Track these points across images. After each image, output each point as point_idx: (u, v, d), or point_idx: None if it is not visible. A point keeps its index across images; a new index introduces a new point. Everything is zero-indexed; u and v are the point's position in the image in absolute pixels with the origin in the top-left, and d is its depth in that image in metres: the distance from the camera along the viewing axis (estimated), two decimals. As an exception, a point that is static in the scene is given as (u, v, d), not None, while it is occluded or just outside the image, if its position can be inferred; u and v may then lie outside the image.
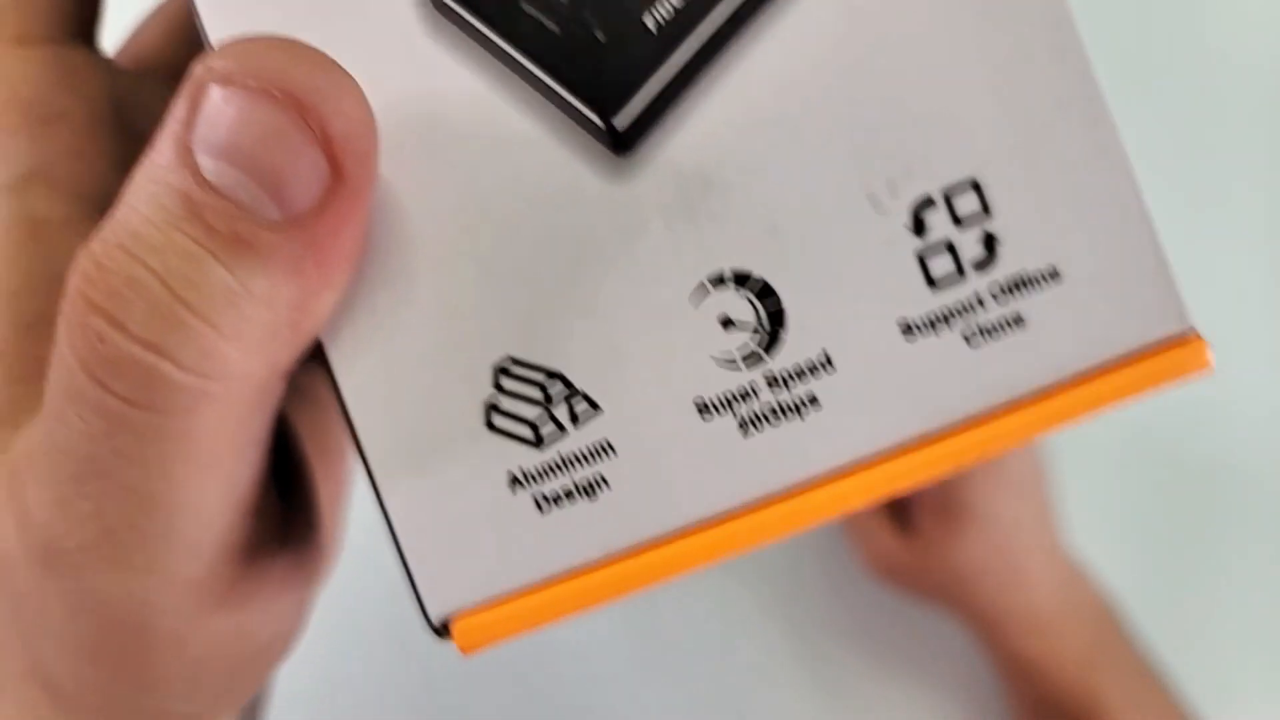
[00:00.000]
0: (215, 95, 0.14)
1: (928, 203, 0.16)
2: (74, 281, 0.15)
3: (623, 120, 0.15)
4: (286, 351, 0.16)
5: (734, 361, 0.16)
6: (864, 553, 0.45)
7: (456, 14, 0.16)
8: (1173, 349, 0.16)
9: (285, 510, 0.20)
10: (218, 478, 0.16)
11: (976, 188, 0.15)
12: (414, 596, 0.17)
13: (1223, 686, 0.49)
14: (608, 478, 0.16)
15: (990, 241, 0.16)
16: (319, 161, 0.14)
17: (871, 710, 0.52)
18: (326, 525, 0.21)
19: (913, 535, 0.43)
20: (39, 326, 0.18)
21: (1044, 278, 0.16)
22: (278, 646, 0.20)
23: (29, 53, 0.19)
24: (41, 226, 0.18)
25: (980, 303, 0.16)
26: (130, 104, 0.20)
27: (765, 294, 0.16)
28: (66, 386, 0.15)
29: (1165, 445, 0.53)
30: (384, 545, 0.18)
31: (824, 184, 0.16)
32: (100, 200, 0.19)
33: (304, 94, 0.14)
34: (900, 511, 0.43)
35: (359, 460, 0.17)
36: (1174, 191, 0.55)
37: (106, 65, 0.20)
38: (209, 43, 0.16)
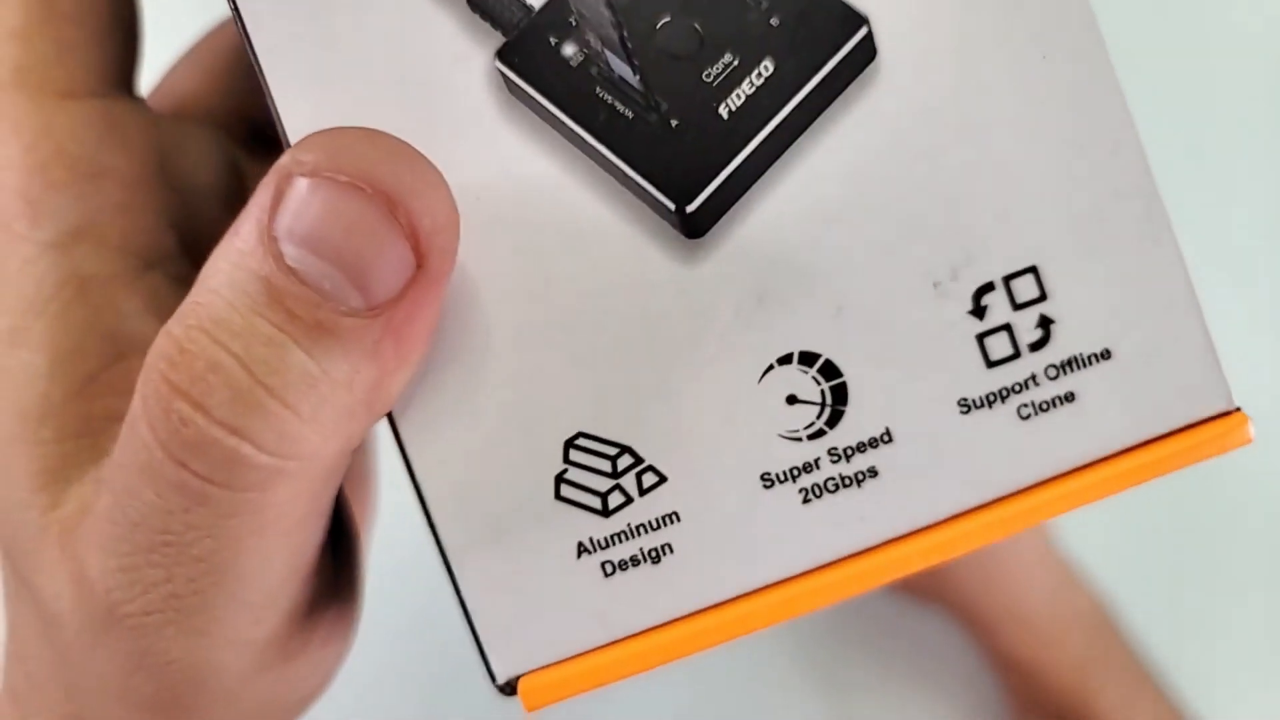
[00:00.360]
0: (301, 186, 0.14)
1: (988, 288, 0.16)
2: (155, 363, 0.15)
3: (696, 205, 0.16)
4: (360, 430, 0.16)
5: (798, 437, 0.16)
6: None
7: (532, 98, 0.16)
8: (1216, 424, 0.17)
9: (333, 565, 0.20)
10: (286, 548, 0.16)
11: (1035, 273, 0.16)
12: (480, 656, 0.17)
13: (1219, 688, 0.50)
14: (673, 545, 0.17)
15: (1046, 324, 0.16)
16: (405, 255, 0.14)
17: (870, 709, 0.53)
18: (361, 575, 0.22)
19: None
20: (91, 385, 0.18)
21: (1096, 358, 0.16)
22: (312, 697, 0.21)
23: (73, 106, 0.19)
24: (90, 284, 0.18)
25: (1035, 381, 0.16)
26: (170, 152, 0.20)
27: (830, 373, 0.16)
28: (144, 463, 0.15)
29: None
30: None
31: (889, 270, 0.16)
32: (146, 255, 0.19)
33: (394, 189, 0.14)
34: None
35: (429, 529, 0.17)
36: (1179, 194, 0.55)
37: (149, 115, 0.20)
38: (284, 128, 0.16)
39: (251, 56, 0.16)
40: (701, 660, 0.47)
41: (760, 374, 0.16)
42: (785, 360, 0.16)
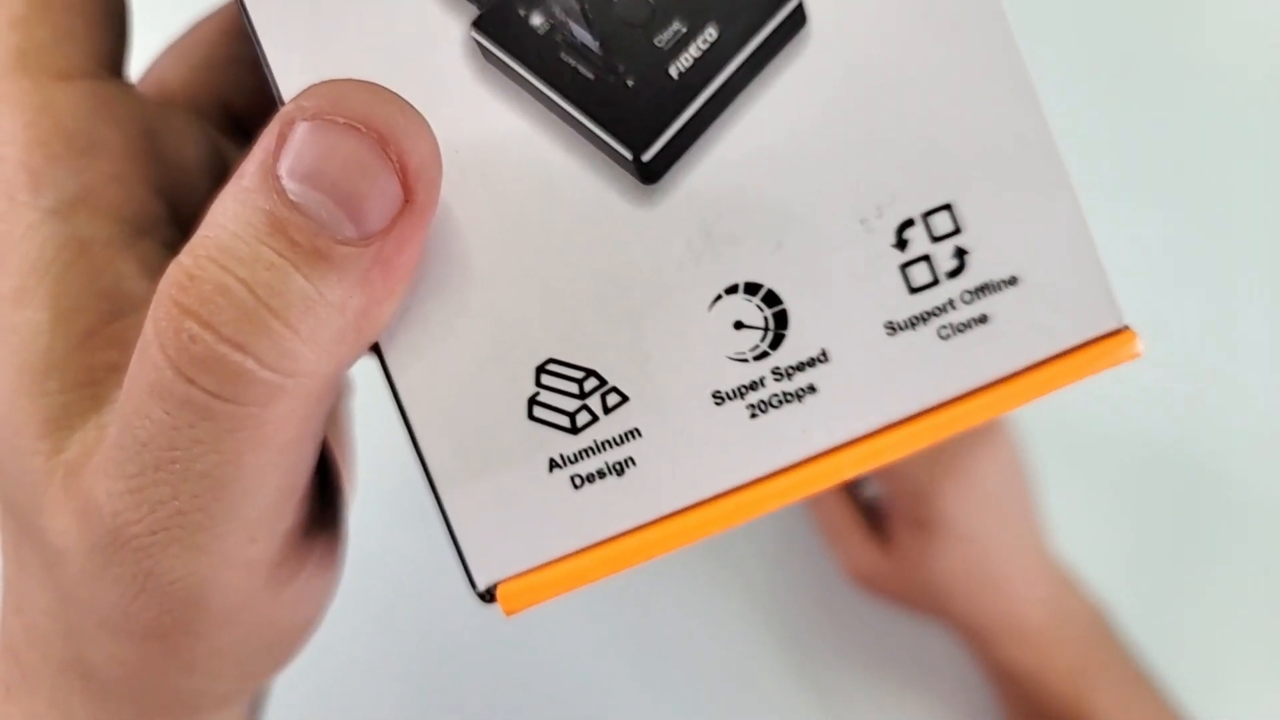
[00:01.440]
0: (302, 128, 0.16)
1: (909, 223, 0.18)
2: (167, 289, 0.17)
3: (650, 154, 0.18)
4: (351, 354, 0.18)
5: (745, 358, 0.19)
6: (846, 565, 0.46)
7: (505, 63, 0.18)
8: (1109, 340, 0.19)
9: (320, 500, 0.22)
10: (281, 466, 0.18)
11: (950, 210, 0.18)
12: (462, 566, 0.19)
13: (1217, 692, 0.50)
14: (635, 458, 0.19)
15: (961, 254, 0.19)
16: (394, 188, 0.16)
17: (863, 716, 0.53)
18: (345, 513, 0.24)
19: (891, 548, 0.43)
20: (91, 339, 0.20)
21: (1005, 284, 0.19)
22: (305, 629, 0.22)
23: (70, 86, 0.21)
24: (88, 247, 0.20)
25: (952, 305, 0.19)
26: (159, 130, 0.22)
27: (772, 300, 0.18)
28: (153, 383, 0.17)
29: (1156, 451, 0.55)
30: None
31: (822, 209, 0.18)
32: (139, 222, 0.21)
33: (386, 129, 0.16)
34: (878, 523, 0.43)
35: (413, 448, 0.19)
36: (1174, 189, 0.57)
37: (138, 96, 0.22)
38: (278, 86, 0.18)
39: (248, 26, 0.18)
40: (698, 669, 0.47)
41: (710, 302, 0.18)
42: (732, 290, 0.18)
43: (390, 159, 0.16)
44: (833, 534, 0.46)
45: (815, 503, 0.46)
